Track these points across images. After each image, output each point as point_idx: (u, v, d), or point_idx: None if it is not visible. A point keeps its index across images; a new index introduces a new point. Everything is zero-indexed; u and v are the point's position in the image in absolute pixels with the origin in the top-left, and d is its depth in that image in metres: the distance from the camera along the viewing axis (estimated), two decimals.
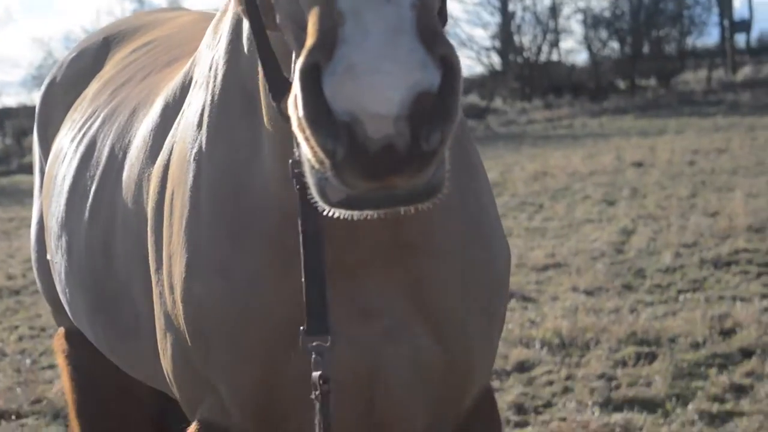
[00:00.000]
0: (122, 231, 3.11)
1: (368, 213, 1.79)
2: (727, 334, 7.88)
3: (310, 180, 1.73)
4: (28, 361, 8.62)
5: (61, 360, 4.20)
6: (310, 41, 1.63)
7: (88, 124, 3.66)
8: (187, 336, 2.61)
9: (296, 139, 1.74)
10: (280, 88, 2.07)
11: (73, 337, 4.05)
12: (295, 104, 1.67)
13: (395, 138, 1.59)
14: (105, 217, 3.25)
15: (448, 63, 1.63)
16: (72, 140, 3.71)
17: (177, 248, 2.64)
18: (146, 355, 3.11)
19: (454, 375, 2.68)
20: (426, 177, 1.68)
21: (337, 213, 1.76)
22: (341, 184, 1.67)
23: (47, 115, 4.18)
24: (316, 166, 1.69)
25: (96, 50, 4.19)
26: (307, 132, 1.65)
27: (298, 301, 2.36)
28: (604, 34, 46.44)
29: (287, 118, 1.76)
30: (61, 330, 4.20)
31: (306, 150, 1.69)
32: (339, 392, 2.46)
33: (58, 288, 3.74)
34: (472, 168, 2.74)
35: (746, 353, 7.40)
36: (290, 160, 2.14)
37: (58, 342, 4.22)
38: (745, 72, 45.01)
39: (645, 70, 44.41)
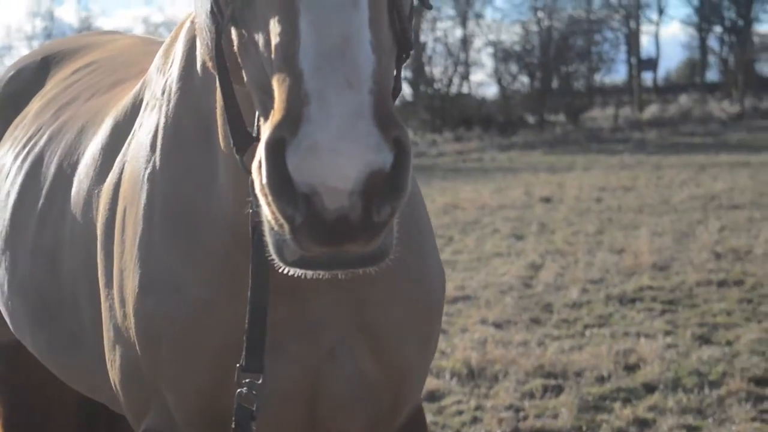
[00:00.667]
0: (70, 245, 3.21)
1: (320, 273, 1.96)
2: (631, 369, 8.15)
3: (268, 238, 1.88)
4: None
5: None
6: (277, 116, 1.78)
7: (33, 141, 3.75)
8: (137, 347, 2.72)
9: (255, 195, 1.89)
10: (243, 142, 2.22)
11: (4, 351, 4.13)
12: (259, 170, 1.81)
13: (349, 210, 1.74)
14: (52, 232, 3.34)
15: (400, 144, 1.79)
16: (15, 157, 3.79)
17: (129, 264, 2.75)
18: (88, 368, 3.21)
19: (391, 392, 2.84)
20: (376, 244, 1.84)
21: (291, 271, 1.91)
22: (298, 247, 1.82)
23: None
24: (275, 228, 1.84)
25: (35, 69, 4.27)
26: (269, 198, 1.79)
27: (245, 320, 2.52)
28: (514, 68, 47.16)
29: (249, 172, 1.92)
30: None
31: (266, 213, 1.83)
32: (284, 404, 2.67)
33: (0, 301, 3.80)
34: (412, 197, 2.83)
35: (649, 388, 7.67)
36: (249, 210, 2.27)
37: None
38: (652, 110, 46.13)
39: (554, 105, 45.20)
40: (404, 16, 2.07)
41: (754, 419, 6.92)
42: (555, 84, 47.23)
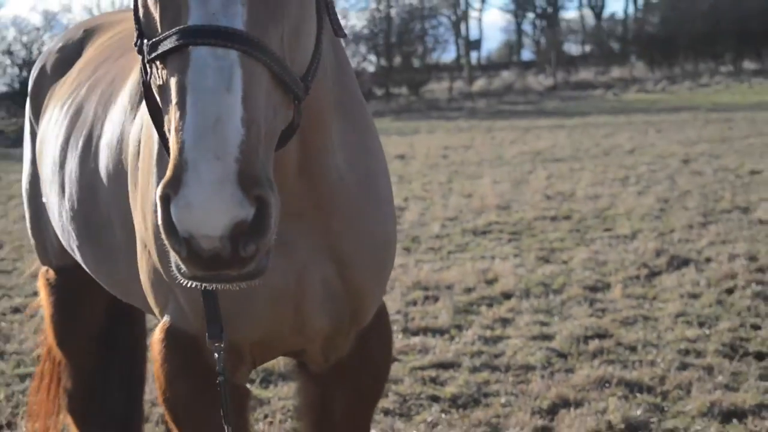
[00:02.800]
0: (105, 178, 3.43)
1: (210, 286, 2.21)
2: (490, 282, 8.76)
3: (172, 258, 2.06)
4: None
5: (43, 292, 4.45)
6: (167, 176, 1.94)
7: (75, 93, 4.00)
8: (155, 255, 2.96)
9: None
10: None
11: (55, 273, 4.39)
12: (156, 212, 2.02)
13: (220, 249, 1.94)
14: (92, 167, 3.55)
15: (260, 200, 1.96)
16: (61, 107, 4.03)
17: (146, 187, 2.98)
18: (122, 276, 3.48)
19: (352, 299, 3.03)
20: (249, 269, 2.02)
21: (190, 283, 2.11)
22: (187, 270, 2.03)
23: (38, 93, 4.46)
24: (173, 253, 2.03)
25: (78, 40, 4.50)
26: (163, 235, 1.99)
27: None
28: (363, 48, 47.64)
29: None
30: (44, 268, 4.47)
31: (165, 243, 2.02)
32: (273, 306, 2.88)
33: (53, 221, 4.03)
34: (370, 152, 3.10)
35: (507, 296, 8.30)
36: None
37: (42, 278, 4.45)
38: (480, 83, 47.11)
39: (398, 80, 45.79)
40: (294, 72, 2.23)
41: (590, 316, 7.60)
42: (398, 62, 47.93)
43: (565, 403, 5.77)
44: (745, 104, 31.47)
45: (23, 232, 12.41)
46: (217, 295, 2.73)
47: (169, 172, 1.93)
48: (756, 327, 7.11)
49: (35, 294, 8.87)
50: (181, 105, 1.98)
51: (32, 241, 4.56)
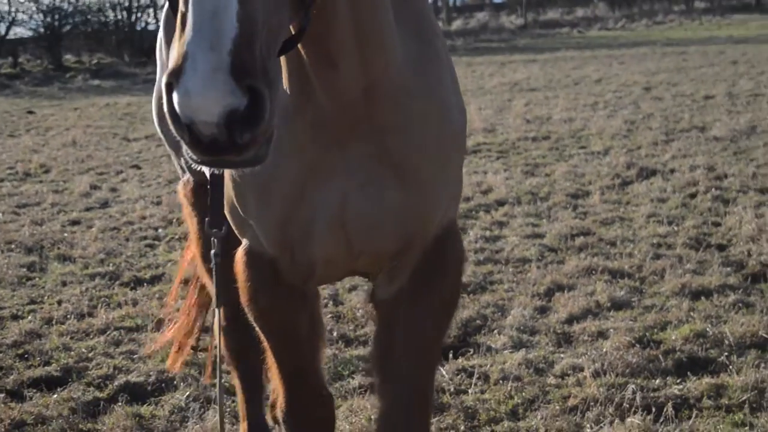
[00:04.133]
0: None
1: (215, 170, 2.14)
2: (485, 193, 9.11)
3: (182, 145, 2.01)
4: None
5: (184, 203, 4.17)
6: (170, 66, 1.92)
7: None
8: (234, 195, 2.96)
9: None
10: None
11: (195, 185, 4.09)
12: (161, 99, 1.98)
13: (218, 135, 1.90)
14: None
15: (253, 90, 1.89)
16: None
17: None
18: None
19: (415, 213, 2.86)
20: (248, 155, 1.98)
21: (200, 168, 2.06)
22: (193, 154, 1.99)
23: (168, 18, 4.35)
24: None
25: None
26: (169, 121, 1.95)
27: (307, 166, 2.74)
28: None
29: None
30: (185, 177, 4.15)
31: (171, 129, 1.98)
32: (326, 227, 2.80)
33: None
34: (433, 60, 2.90)
35: (500, 203, 8.66)
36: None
37: (181, 189, 4.16)
38: (458, 24, 46.93)
39: None
40: None
41: (574, 218, 7.99)
42: None
43: (559, 288, 6.16)
44: (697, 39, 31.63)
45: (66, 157, 12.72)
46: (220, 188, 2.88)
47: (172, 63, 1.92)
48: (717, 224, 7.52)
49: (87, 209, 9.26)
50: (186, 1, 1.96)
51: (171, 152, 4.28)
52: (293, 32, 2.29)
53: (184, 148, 2.02)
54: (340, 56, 2.55)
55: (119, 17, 37.08)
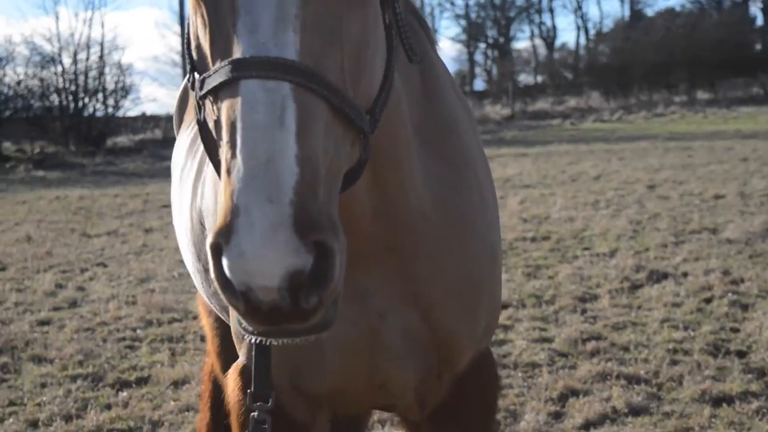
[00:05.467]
0: (206, 214, 3.36)
1: (274, 341, 2.03)
2: None
3: (232, 313, 2.05)
4: None
5: (203, 314, 4.46)
6: (217, 224, 1.84)
7: (191, 124, 4.22)
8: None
9: None
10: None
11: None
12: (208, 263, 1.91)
13: (280, 302, 1.81)
14: (199, 201, 3.53)
15: (320, 245, 1.82)
16: (188, 136, 4.26)
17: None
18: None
19: (441, 347, 2.90)
20: (314, 322, 1.89)
21: (254, 339, 2.01)
22: (248, 325, 1.93)
23: (178, 111, 4.79)
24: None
25: None
26: (218, 290, 1.89)
27: None
28: None
29: None
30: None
31: (222, 297, 1.91)
32: (346, 357, 2.80)
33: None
34: (463, 186, 2.92)
35: (504, 306, 8.92)
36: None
37: (199, 298, 4.41)
38: None
39: None
40: (358, 103, 2.11)
41: (583, 322, 8.48)
42: None
43: (573, 393, 6.62)
44: (701, 133, 32.80)
45: (23, 254, 13.13)
46: (270, 352, 2.69)
47: (219, 219, 1.84)
48: (735, 330, 8.04)
49: (55, 309, 9.67)
50: (232, 144, 1.89)
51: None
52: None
53: (236, 317, 1.96)
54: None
55: (64, 102, 37.77)
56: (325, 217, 1.87)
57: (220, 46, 2.03)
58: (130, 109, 41.11)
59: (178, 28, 45.18)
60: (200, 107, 2.15)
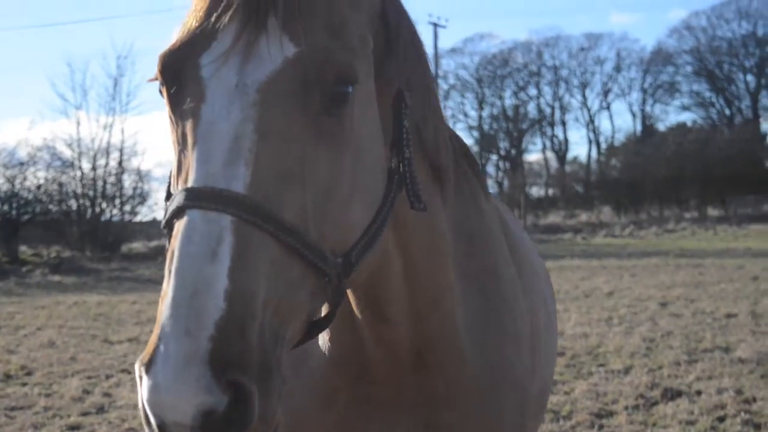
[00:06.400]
0: None
1: None
2: None
3: None
4: None
5: None
6: (144, 352, 1.81)
7: None
8: None
9: None
10: None
11: None
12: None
13: None
14: None
15: (237, 386, 1.75)
16: None
17: None
18: None
19: None
20: None
21: None
22: None
23: None
24: None
25: None
26: (142, 420, 1.86)
27: (338, 428, 2.76)
28: None
29: None
30: None
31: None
32: None
33: None
34: (506, 332, 2.89)
35: None
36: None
37: None
38: None
39: None
40: (323, 246, 2.05)
41: None
42: None
43: None
44: (712, 250, 33.22)
45: (48, 359, 13.47)
46: None
47: (147, 347, 1.81)
48: None
49: (84, 414, 9.98)
50: (168, 272, 1.86)
51: None
52: (324, 312, 2.19)
53: None
54: (391, 310, 2.57)
55: (82, 208, 38.36)
56: (255, 357, 1.80)
57: (183, 172, 2.03)
58: (146, 215, 41.69)
59: None
60: (167, 234, 2.10)
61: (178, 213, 1.93)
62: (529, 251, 3.52)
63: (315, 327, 2.12)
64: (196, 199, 1.90)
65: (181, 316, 1.75)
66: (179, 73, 2.07)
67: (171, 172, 2.15)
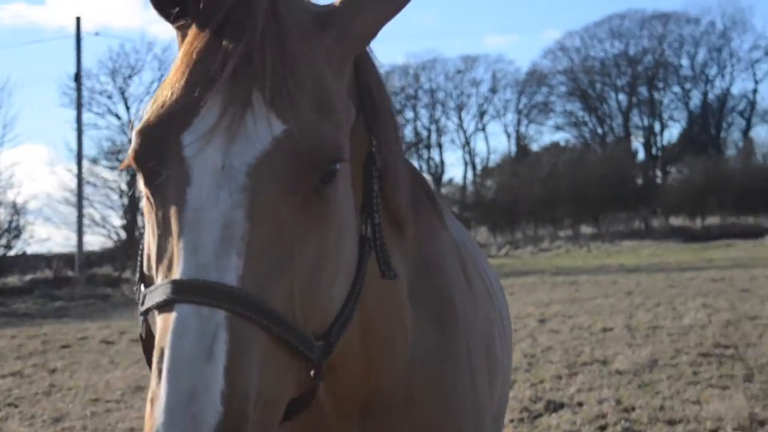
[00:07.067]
0: None
1: None
2: None
3: None
4: None
5: None
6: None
7: None
8: None
9: None
10: None
11: None
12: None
13: None
14: None
15: None
16: None
17: None
18: None
19: None
20: None
21: None
22: None
23: None
24: None
25: None
26: None
27: None
28: None
29: None
30: None
31: None
32: None
33: None
34: (457, 359, 2.78)
35: None
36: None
37: None
38: None
39: None
40: (307, 332, 1.99)
41: None
42: None
43: None
44: (587, 267, 34.22)
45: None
46: None
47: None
48: None
49: None
50: (159, 372, 1.76)
51: None
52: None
53: None
54: (337, 360, 2.39)
55: None
56: None
57: (165, 261, 1.91)
58: (21, 249, 40.75)
59: (72, 167, 45.23)
60: (141, 322, 2.04)
61: (164, 306, 1.83)
62: (483, 272, 3.47)
63: (294, 409, 2.05)
64: (187, 293, 1.80)
65: (180, 421, 1.68)
66: (159, 150, 1.95)
67: (147, 254, 2.06)
